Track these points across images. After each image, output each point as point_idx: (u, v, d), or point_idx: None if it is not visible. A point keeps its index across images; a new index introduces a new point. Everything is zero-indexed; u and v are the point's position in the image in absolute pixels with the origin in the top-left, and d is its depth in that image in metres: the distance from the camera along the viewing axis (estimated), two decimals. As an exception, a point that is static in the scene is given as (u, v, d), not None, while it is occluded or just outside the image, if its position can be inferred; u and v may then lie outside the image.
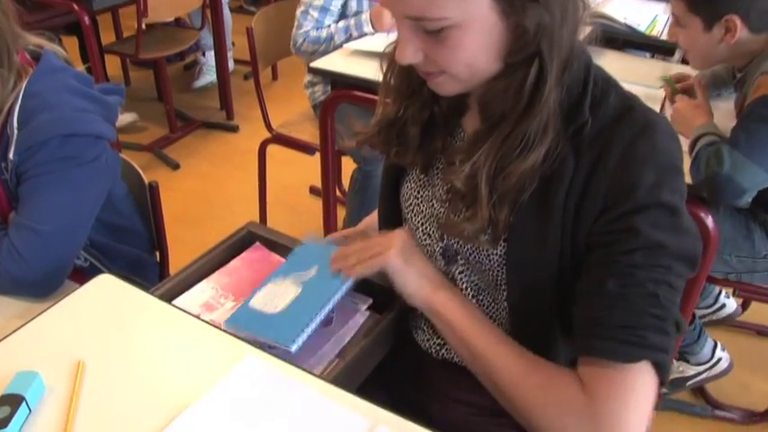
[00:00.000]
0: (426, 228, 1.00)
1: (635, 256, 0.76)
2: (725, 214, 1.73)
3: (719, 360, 1.99)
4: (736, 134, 1.50)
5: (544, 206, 0.82)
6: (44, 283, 1.09)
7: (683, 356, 1.99)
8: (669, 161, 0.80)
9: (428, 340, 1.06)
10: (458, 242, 0.95)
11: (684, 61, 2.45)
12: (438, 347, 1.05)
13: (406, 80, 0.93)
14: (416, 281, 0.91)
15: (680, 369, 2.01)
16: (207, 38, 3.75)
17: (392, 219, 1.08)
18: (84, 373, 0.87)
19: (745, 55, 1.60)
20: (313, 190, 3.00)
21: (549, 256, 0.84)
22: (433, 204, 0.98)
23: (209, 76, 3.96)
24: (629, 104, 0.83)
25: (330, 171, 2.06)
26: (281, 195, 2.91)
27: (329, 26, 2.29)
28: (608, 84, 0.85)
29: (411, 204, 1.02)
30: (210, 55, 3.86)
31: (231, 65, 4.00)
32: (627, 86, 1.93)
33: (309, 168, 2.81)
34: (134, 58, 3.11)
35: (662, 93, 1.87)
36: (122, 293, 1.02)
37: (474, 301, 0.97)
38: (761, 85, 1.50)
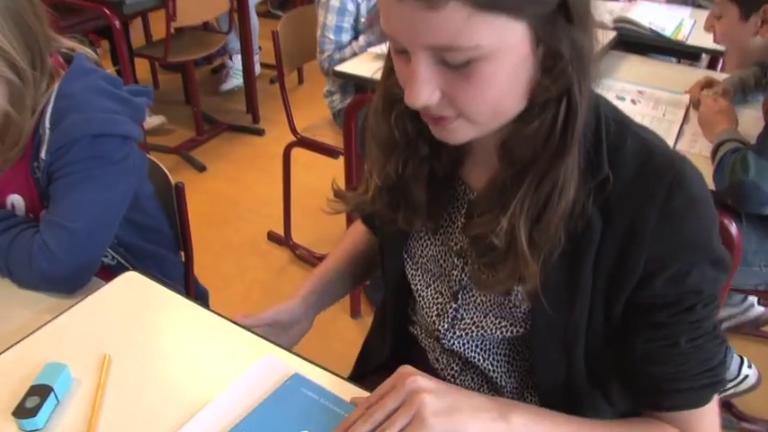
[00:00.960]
0: (438, 286, 0.95)
1: (697, 310, 0.78)
2: (750, 226, 1.70)
3: (746, 377, 1.96)
4: (763, 140, 1.48)
5: (574, 267, 0.78)
6: (73, 278, 1.12)
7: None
8: (706, 208, 0.77)
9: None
10: (475, 300, 0.91)
11: (711, 66, 2.44)
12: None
13: (403, 132, 0.82)
14: (476, 424, 0.73)
15: (705, 384, 1.99)
16: (234, 42, 3.80)
17: (402, 280, 0.99)
18: (110, 366, 0.90)
19: None
20: (338, 195, 3.02)
21: (576, 316, 0.81)
22: (441, 263, 0.93)
23: (235, 79, 4.01)
24: (648, 149, 0.77)
25: (354, 174, 2.08)
26: (305, 199, 2.93)
27: (351, 44, 2.33)
28: (621, 125, 0.79)
29: (418, 263, 0.96)
30: (237, 59, 3.91)
31: (258, 69, 4.05)
32: (651, 91, 1.94)
33: (333, 173, 2.83)
34: (162, 61, 3.16)
35: (686, 98, 1.85)
36: (148, 290, 1.05)
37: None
38: None
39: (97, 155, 1.15)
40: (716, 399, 0.82)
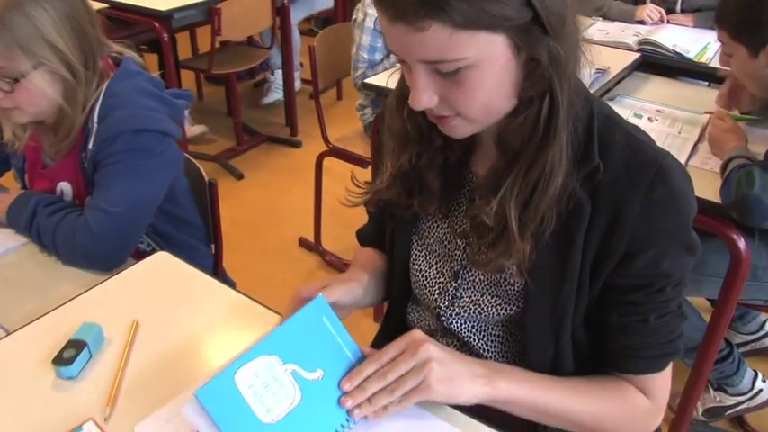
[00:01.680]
0: (440, 266, 1.01)
1: (666, 291, 0.88)
2: (762, 242, 1.73)
3: (760, 391, 1.97)
4: None
5: (564, 246, 0.86)
6: (110, 257, 1.23)
7: (721, 387, 1.99)
8: (685, 200, 0.85)
9: None
10: (474, 280, 0.98)
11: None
12: None
13: (415, 126, 0.92)
14: (470, 389, 0.85)
15: (717, 399, 2.00)
16: (276, 57, 3.96)
17: (407, 260, 1.06)
18: (137, 330, 1.01)
19: None
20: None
21: (565, 294, 0.90)
22: (446, 244, 1.00)
23: (276, 93, 4.16)
24: (636, 144, 0.86)
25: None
26: (337, 208, 3.03)
27: (383, 62, 2.44)
28: (611, 123, 0.87)
29: (424, 244, 1.03)
30: (279, 74, 4.06)
31: (298, 84, 4.19)
32: (670, 111, 1.99)
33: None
34: (207, 72, 3.33)
35: (704, 118, 1.90)
36: (177, 269, 1.16)
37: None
38: None
39: (138, 148, 1.27)
40: (671, 365, 0.93)
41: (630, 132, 0.87)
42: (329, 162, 2.72)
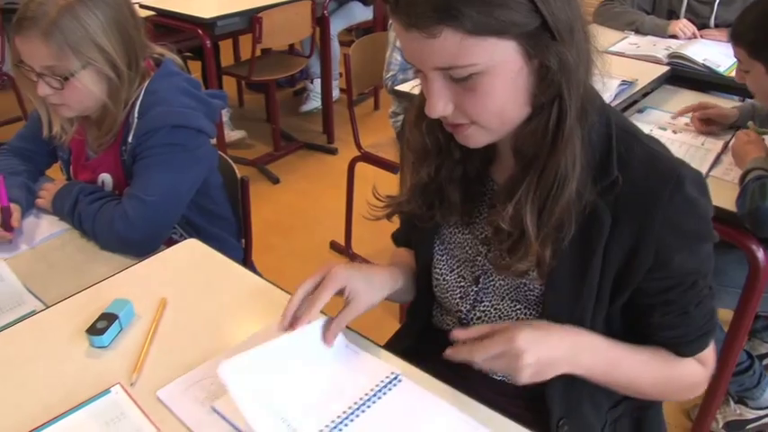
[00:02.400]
0: (461, 271, 1.05)
1: (698, 283, 0.94)
2: (782, 252, 1.74)
3: (783, 405, 1.97)
4: None
5: (584, 254, 0.90)
6: (144, 243, 1.32)
7: (742, 400, 1.98)
8: (703, 204, 0.90)
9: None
10: (494, 285, 1.02)
11: (764, 103, 2.46)
12: None
13: (434, 139, 0.95)
14: (553, 373, 0.89)
15: (737, 412, 2.00)
16: (316, 66, 4.07)
17: (430, 264, 1.09)
18: (165, 307, 1.09)
19: None
20: (398, 211, 3.18)
21: (584, 300, 0.94)
22: (467, 250, 1.04)
23: (315, 102, 4.27)
24: (653, 155, 0.89)
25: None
26: (367, 213, 3.11)
27: (412, 75, 2.49)
28: (629, 135, 0.90)
29: (446, 249, 1.06)
30: (318, 82, 4.17)
31: (336, 93, 4.29)
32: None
33: (396, 191, 2.99)
34: (247, 79, 3.44)
35: (729, 133, 1.92)
36: (206, 255, 1.25)
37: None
38: None
39: (174, 142, 1.36)
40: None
41: (647, 144, 0.91)
42: (362, 168, 2.80)
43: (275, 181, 3.55)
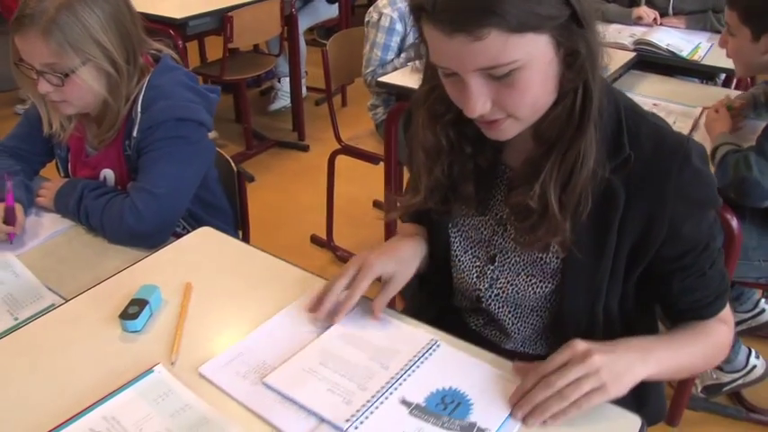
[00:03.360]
0: (475, 251, 1.10)
1: (710, 246, 1.00)
2: (752, 224, 1.85)
3: (755, 367, 2.07)
4: (762, 143, 1.65)
5: (601, 228, 0.96)
6: (154, 235, 1.34)
7: (718, 365, 2.10)
8: (708, 173, 0.97)
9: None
10: (510, 262, 1.07)
11: (725, 84, 2.60)
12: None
13: (447, 138, 0.99)
14: (633, 381, 0.90)
15: (714, 376, 2.10)
16: (283, 65, 4.08)
17: (447, 247, 1.13)
18: (191, 291, 1.11)
19: None
20: (376, 204, 3.23)
21: (602, 270, 1.01)
22: (482, 231, 1.09)
23: (283, 100, 4.28)
24: (661, 132, 0.95)
25: (393, 177, 2.29)
26: (346, 208, 3.14)
27: (393, 61, 2.57)
28: (637, 114, 0.96)
29: (460, 231, 1.11)
30: (285, 81, 4.19)
31: (304, 91, 4.32)
32: (665, 104, 2.11)
33: (373, 184, 3.05)
34: (218, 79, 3.44)
35: (697, 111, 2.03)
36: (220, 239, 1.29)
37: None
38: None
39: (178, 135, 1.39)
40: None
41: (653, 121, 0.97)
42: (338, 162, 2.84)
43: (250, 179, 3.56)
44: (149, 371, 0.95)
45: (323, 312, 1.02)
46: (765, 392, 2.13)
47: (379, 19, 2.55)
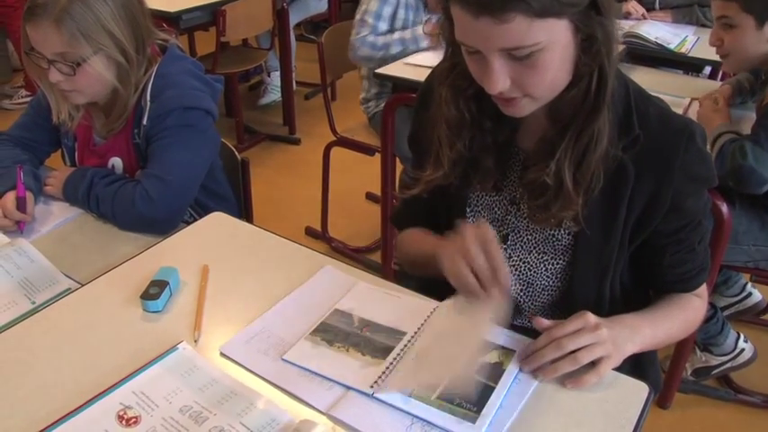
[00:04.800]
0: None
1: (702, 223, 1.08)
2: (741, 209, 1.91)
3: (743, 350, 2.14)
4: (757, 132, 1.71)
5: (612, 203, 1.01)
6: (166, 221, 1.36)
7: (707, 348, 2.16)
8: (708, 154, 1.04)
9: None
10: (522, 240, 1.11)
11: (711, 77, 2.67)
12: None
13: (469, 112, 1.03)
14: (629, 352, 0.98)
15: (703, 359, 2.17)
16: (273, 60, 4.10)
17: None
18: (208, 273, 1.14)
19: None
20: (369, 196, 3.27)
21: (612, 244, 1.06)
22: (496, 210, 1.13)
23: (273, 95, 4.30)
24: (667, 114, 1.02)
25: (388, 167, 2.32)
26: (340, 200, 3.18)
27: (385, 34, 2.55)
28: (642, 96, 1.02)
29: (474, 213, 1.14)
30: (275, 75, 4.20)
31: (293, 86, 4.34)
32: (657, 95, 2.16)
33: (366, 176, 3.09)
34: (211, 72, 3.44)
35: (686, 101, 2.08)
36: (232, 223, 1.33)
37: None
38: None
39: (187, 123, 1.41)
40: None
41: (658, 104, 1.03)
42: (331, 154, 2.87)
43: (242, 173, 3.58)
44: (174, 348, 0.98)
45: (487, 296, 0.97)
46: (753, 375, 2.19)
47: None
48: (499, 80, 0.89)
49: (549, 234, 1.09)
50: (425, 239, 1.20)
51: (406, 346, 0.98)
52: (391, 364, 0.95)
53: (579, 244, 1.06)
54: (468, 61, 0.94)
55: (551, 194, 0.99)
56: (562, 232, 1.07)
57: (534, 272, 1.12)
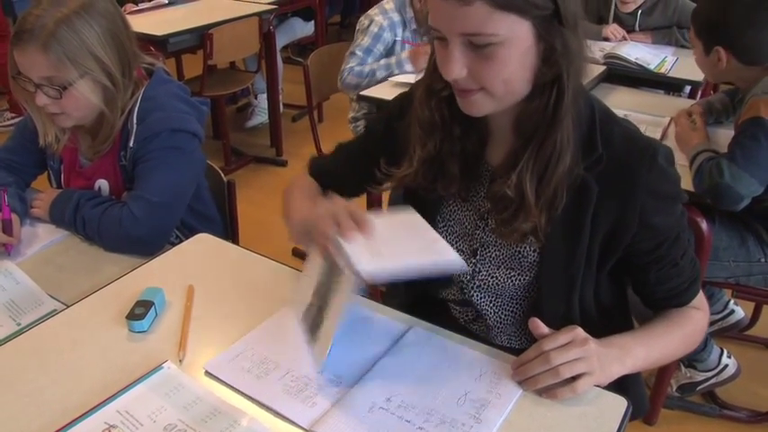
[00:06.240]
0: (459, 245, 1.16)
1: (681, 237, 1.08)
2: (721, 226, 1.95)
3: (726, 366, 2.16)
4: (733, 150, 1.74)
5: (575, 221, 1.03)
6: (152, 242, 1.37)
7: (692, 364, 2.17)
8: (674, 171, 1.04)
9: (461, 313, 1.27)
10: (491, 255, 1.13)
11: (691, 96, 2.72)
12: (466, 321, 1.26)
13: (440, 114, 1.06)
14: (616, 374, 1.00)
15: (688, 375, 2.19)
16: (260, 82, 4.13)
17: None
18: (193, 294, 1.15)
19: (748, 80, 1.86)
20: (354, 217, 3.28)
21: (577, 259, 1.07)
22: (466, 225, 1.15)
23: (260, 117, 4.32)
24: (631, 134, 1.04)
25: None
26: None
27: (371, 62, 2.65)
28: (609, 117, 1.04)
29: (446, 225, 1.17)
30: (262, 98, 4.23)
31: (280, 108, 4.37)
32: (635, 115, 2.22)
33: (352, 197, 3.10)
34: (198, 95, 3.47)
35: (666, 120, 2.13)
36: (217, 245, 1.34)
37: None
38: (751, 107, 1.76)
39: (174, 145, 1.43)
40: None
41: (624, 125, 1.05)
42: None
43: (229, 195, 3.59)
44: (159, 367, 0.98)
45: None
46: (737, 390, 2.21)
47: (369, 25, 2.64)
48: (455, 66, 0.92)
49: (516, 250, 1.11)
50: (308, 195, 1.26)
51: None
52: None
53: (544, 260, 1.08)
54: (436, 48, 0.97)
55: (514, 207, 1.02)
56: (528, 248, 1.09)
57: (502, 286, 1.14)
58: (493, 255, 1.14)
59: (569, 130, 0.97)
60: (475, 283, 1.17)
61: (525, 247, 1.09)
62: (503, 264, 1.13)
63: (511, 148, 1.05)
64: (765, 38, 1.81)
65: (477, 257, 1.15)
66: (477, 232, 1.15)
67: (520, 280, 1.13)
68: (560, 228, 1.04)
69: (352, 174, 1.30)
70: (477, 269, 1.16)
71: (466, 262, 1.16)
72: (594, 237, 1.05)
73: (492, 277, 1.15)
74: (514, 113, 1.02)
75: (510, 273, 1.13)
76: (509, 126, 1.04)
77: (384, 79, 2.51)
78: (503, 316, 1.19)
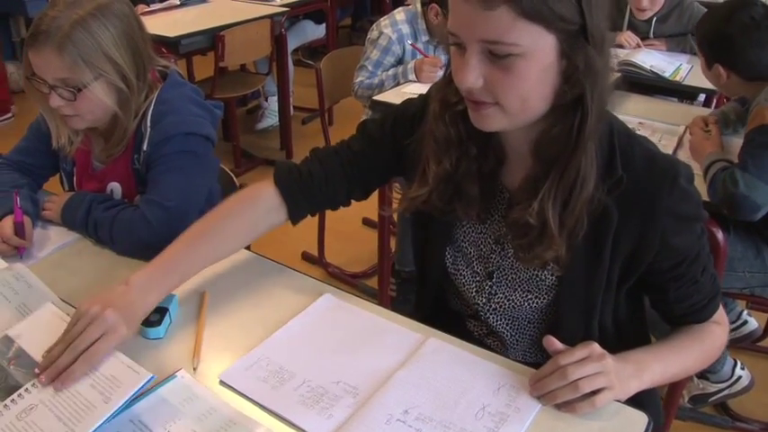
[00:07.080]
0: (474, 267, 1.14)
1: (701, 255, 1.06)
2: (736, 236, 1.92)
3: (739, 378, 2.14)
4: (744, 159, 1.73)
5: (595, 247, 1.00)
6: (164, 247, 1.35)
7: (705, 375, 2.15)
8: (695, 191, 1.02)
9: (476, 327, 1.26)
10: (507, 278, 1.11)
11: (706, 104, 2.70)
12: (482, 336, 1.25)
13: (456, 130, 1.01)
14: (633, 389, 0.98)
15: (700, 386, 2.16)
16: (270, 85, 4.13)
17: (442, 263, 1.18)
18: (207, 300, 1.14)
19: (751, 93, 1.85)
20: (366, 221, 3.27)
21: (596, 285, 1.05)
22: (481, 247, 1.12)
23: (270, 119, 4.32)
24: (652, 154, 1.00)
25: (384, 191, 2.32)
26: (336, 225, 3.18)
27: (380, 74, 2.67)
28: (629, 138, 1.00)
29: (459, 248, 1.14)
30: (273, 100, 4.23)
31: (290, 110, 4.36)
32: (650, 123, 2.19)
33: (361, 202, 3.08)
34: (209, 97, 3.47)
35: (681, 129, 2.11)
36: None
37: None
38: (757, 115, 1.75)
39: (188, 149, 1.42)
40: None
41: (644, 144, 1.01)
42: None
43: (239, 197, 3.58)
44: (172, 376, 0.97)
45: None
46: (750, 402, 2.19)
47: (378, 37, 2.64)
48: (471, 75, 0.88)
49: (533, 274, 1.08)
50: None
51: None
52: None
53: (563, 285, 1.06)
54: (453, 55, 0.92)
55: (535, 234, 0.98)
56: (546, 273, 1.07)
57: (519, 309, 1.12)
58: (509, 277, 1.12)
59: (593, 155, 0.93)
60: (491, 306, 1.15)
61: (543, 272, 1.07)
62: (519, 286, 1.11)
63: (530, 173, 1.00)
64: (767, 55, 1.82)
65: (494, 280, 1.13)
66: (493, 256, 1.12)
67: (537, 303, 1.10)
68: (580, 254, 1.01)
69: (343, 179, 1.27)
70: (492, 291, 1.14)
71: (482, 284, 1.14)
72: (615, 260, 1.03)
73: (509, 300, 1.13)
74: (534, 135, 0.97)
75: (527, 295, 1.11)
76: (527, 148, 1.00)
77: (392, 88, 2.54)
78: (519, 337, 1.18)
